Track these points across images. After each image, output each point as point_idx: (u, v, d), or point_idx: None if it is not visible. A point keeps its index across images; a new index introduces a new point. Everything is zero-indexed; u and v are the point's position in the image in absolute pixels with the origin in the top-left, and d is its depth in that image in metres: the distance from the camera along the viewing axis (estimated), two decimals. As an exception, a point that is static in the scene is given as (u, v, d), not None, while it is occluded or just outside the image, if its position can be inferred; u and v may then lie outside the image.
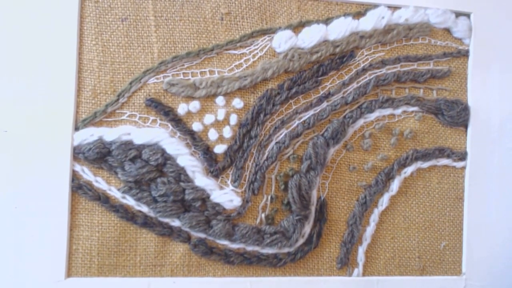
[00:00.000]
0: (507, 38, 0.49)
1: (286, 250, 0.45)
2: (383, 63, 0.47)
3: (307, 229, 0.45)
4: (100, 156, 0.42)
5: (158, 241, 0.43)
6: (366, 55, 0.47)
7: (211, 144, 0.44)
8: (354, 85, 0.47)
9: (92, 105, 0.42)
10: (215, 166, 0.44)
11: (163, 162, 0.42)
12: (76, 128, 0.42)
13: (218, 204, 0.44)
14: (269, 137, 0.45)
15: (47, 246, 0.41)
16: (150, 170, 0.42)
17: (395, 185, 0.47)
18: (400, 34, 0.48)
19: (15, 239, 0.40)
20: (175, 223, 0.43)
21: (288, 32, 0.45)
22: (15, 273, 0.40)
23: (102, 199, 0.42)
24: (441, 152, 0.48)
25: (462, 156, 0.49)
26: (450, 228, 0.49)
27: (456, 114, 0.48)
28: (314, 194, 0.45)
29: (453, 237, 0.49)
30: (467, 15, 0.49)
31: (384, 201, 0.47)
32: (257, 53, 0.45)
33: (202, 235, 0.43)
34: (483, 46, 0.49)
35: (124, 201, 0.42)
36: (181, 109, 0.43)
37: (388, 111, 0.48)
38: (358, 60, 0.47)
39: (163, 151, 0.43)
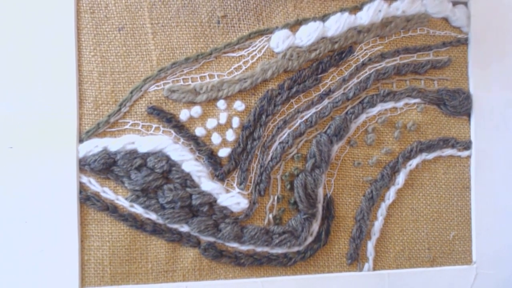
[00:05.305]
0: (506, 24, 0.49)
1: (295, 249, 0.45)
2: (382, 56, 0.47)
3: (315, 227, 0.45)
4: (106, 166, 0.42)
5: (168, 247, 0.43)
6: (365, 50, 0.47)
7: (215, 148, 0.44)
8: (355, 80, 0.47)
9: (94, 116, 0.43)
10: (220, 170, 0.44)
11: (168, 169, 0.43)
12: (81, 140, 0.42)
13: (225, 208, 0.44)
14: (272, 138, 0.45)
15: (60, 258, 0.41)
16: (156, 178, 0.42)
17: (401, 178, 0.47)
18: (398, 27, 0.47)
19: (28, 253, 0.41)
20: (184, 228, 0.43)
21: (286, 32, 0.45)
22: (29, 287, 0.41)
23: (111, 209, 0.42)
24: (446, 142, 0.48)
25: (467, 145, 0.49)
26: (459, 217, 0.49)
27: (458, 104, 0.48)
28: (321, 192, 0.46)
29: (462, 226, 0.49)
30: (465, 3, 0.49)
31: (390, 194, 0.47)
32: (256, 54, 0.45)
33: (211, 239, 0.44)
34: (482, 33, 0.49)
35: (132, 209, 0.43)
36: (183, 115, 0.44)
37: (390, 105, 0.47)
38: (357, 55, 0.47)
39: (167, 158, 0.43)
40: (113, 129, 0.43)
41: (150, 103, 0.43)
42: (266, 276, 0.45)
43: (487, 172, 0.49)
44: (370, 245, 0.47)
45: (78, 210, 0.42)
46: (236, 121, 0.44)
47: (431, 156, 0.48)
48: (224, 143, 0.44)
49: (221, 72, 0.44)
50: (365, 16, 0.46)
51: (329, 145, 0.45)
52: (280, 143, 0.45)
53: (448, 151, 0.48)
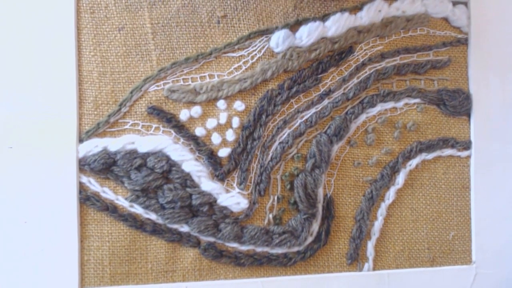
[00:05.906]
0: (506, 24, 0.49)
1: (295, 249, 0.45)
2: (382, 56, 0.47)
3: (315, 227, 0.45)
4: (106, 166, 0.42)
5: (168, 247, 0.43)
6: (365, 50, 0.47)
7: (215, 148, 0.44)
8: (355, 80, 0.47)
9: (94, 116, 0.43)
10: (220, 170, 0.44)
11: (168, 169, 0.43)
12: (80, 140, 0.42)
13: (225, 208, 0.44)
14: (272, 138, 0.45)
15: (59, 258, 0.41)
16: (156, 178, 0.42)
17: (400, 178, 0.47)
18: (399, 27, 0.47)
19: (27, 253, 0.41)
20: (184, 228, 0.43)
21: (285, 32, 0.45)
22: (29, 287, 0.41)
23: (110, 209, 0.42)
24: (445, 142, 0.48)
25: (467, 145, 0.49)
26: (458, 217, 0.49)
27: (458, 104, 0.48)
28: (320, 192, 0.46)
29: (462, 226, 0.49)
30: (465, 3, 0.49)
31: (390, 194, 0.47)
32: (256, 54, 0.45)
33: (211, 239, 0.44)
34: (482, 33, 0.49)
35: (132, 209, 0.43)
36: (183, 115, 0.44)
37: (390, 105, 0.48)
38: (357, 55, 0.47)
39: (167, 158, 0.43)
40: (113, 129, 0.43)
41: (150, 103, 0.43)
42: (266, 276, 0.45)
43: (486, 172, 0.49)
44: (370, 245, 0.47)
45: (78, 210, 0.42)
46: (236, 121, 0.44)
47: (430, 156, 0.48)
48: (224, 143, 0.44)
49: (221, 72, 0.44)
50: (365, 16, 0.46)
51: (329, 145, 0.45)
52: (280, 143, 0.45)
53: (448, 151, 0.48)
